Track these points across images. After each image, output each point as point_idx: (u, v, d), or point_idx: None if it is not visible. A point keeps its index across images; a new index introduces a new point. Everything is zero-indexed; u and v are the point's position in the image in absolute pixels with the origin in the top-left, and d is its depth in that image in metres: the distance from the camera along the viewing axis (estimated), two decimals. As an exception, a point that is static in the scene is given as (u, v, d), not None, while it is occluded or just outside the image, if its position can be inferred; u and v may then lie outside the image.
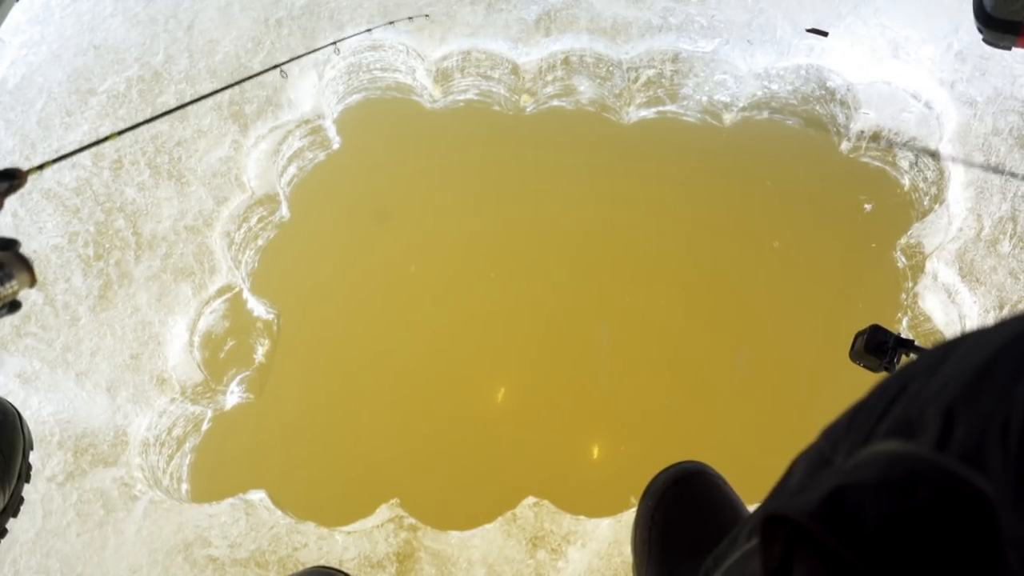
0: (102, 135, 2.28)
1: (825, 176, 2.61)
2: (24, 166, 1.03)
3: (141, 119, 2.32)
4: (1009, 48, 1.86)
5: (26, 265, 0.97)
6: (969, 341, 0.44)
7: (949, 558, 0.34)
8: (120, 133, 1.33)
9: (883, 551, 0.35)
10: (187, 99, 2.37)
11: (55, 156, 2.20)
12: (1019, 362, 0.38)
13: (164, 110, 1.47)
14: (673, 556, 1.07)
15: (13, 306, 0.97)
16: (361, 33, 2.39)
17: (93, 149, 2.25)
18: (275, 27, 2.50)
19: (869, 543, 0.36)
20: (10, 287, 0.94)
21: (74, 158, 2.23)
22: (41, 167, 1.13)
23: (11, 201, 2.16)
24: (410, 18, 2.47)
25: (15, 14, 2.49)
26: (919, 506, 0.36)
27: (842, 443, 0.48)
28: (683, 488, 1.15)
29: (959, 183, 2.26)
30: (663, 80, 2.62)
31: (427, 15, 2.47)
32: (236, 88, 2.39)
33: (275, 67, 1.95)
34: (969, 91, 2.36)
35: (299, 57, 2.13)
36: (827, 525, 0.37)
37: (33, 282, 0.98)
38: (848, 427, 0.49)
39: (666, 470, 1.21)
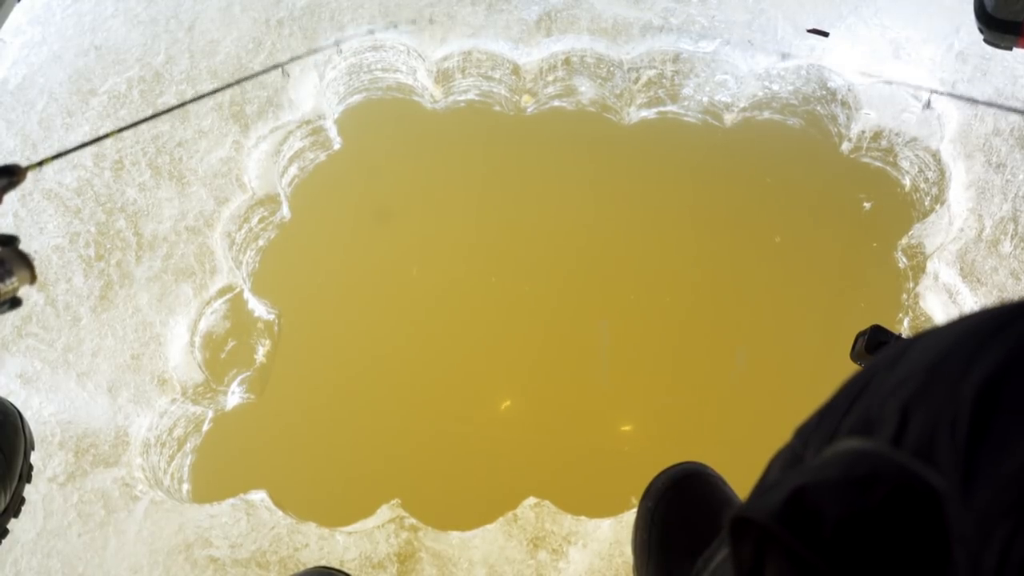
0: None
1: (826, 177, 2.61)
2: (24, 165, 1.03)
3: (143, 119, 2.33)
4: (1010, 48, 1.86)
5: (26, 262, 0.97)
6: (925, 338, 0.45)
7: (902, 555, 0.35)
8: (120, 131, 1.34)
9: (842, 550, 0.36)
10: (188, 100, 2.37)
11: (56, 154, 2.20)
12: (967, 359, 0.39)
13: (165, 109, 1.48)
14: (672, 556, 1.08)
15: (14, 303, 0.97)
16: (363, 35, 2.39)
17: (94, 149, 2.26)
18: (276, 28, 2.50)
19: (829, 543, 0.36)
20: (10, 284, 0.94)
21: (75, 158, 2.24)
22: (40, 164, 1.13)
23: (12, 202, 2.17)
24: (413, 22, 2.47)
25: (16, 15, 2.49)
26: (876, 504, 0.36)
27: (812, 441, 0.49)
28: (683, 489, 1.16)
29: (960, 183, 2.26)
30: (664, 80, 2.62)
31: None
32: (237, 88, 2.39)
33: (276, 67, 1.95)
34: (970, 91, 2.36)
35: (300, 57, 2.13)
36: (789, 525, 0.38)
37: (33, 279, 0.98)
38: (817, 425, 0.49)
39: (666, 471, 1.21)
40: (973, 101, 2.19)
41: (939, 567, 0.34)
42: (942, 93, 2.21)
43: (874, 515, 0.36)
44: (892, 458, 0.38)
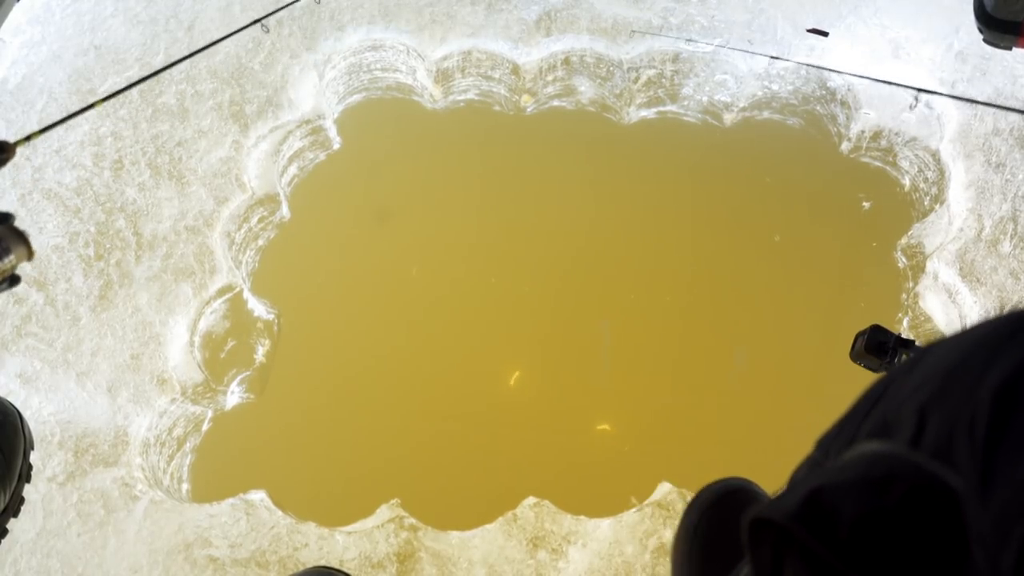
0: (103, 135, 2.28)
1: (825, 176, 2.61)
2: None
3: (142, 118, 2.33)
4: (1009, 48, 1.86)
5: (22, 239, 0.97)
6: (942, 345, 0.45)
7: (920, 555, 0.35)
8: (106, 99, 1.34)
9: (859, 550, 0.36)
10: (187, 99, 2.37)
11: (56, 154, 2.20)
12: (984, 362, 0.39)
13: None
14: (712, 570, 1.08)
15: (13, 280, 0.97)
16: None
17: (93, 150, 2.25)
18: (276, 27, 2.50)
19: (846, 542, 0.36)
20: (8, 261, 0.94)
21: (75, 158, 2.24)
22: (28, 138, 1.13)
23: (12, 202, 2.17)
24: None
25: (15, 14, 2.49)
26: (893, 504, 0.36)
27: (832, 449, 0.49)
28: (727, 504, 1.16)
29: (959, 183, 2.26)
30: (663, 80, 2.62)
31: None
32: (237, 88, 2.39)
33: (255, 22, 1.96)
34: (970, 91, 2.35)
35: (278, 11, 2.13)
36: (807, 525, 0.38)
37: (31, 255, 0.98)
38: (837, 434, 0.50)
39: (710, 485, 1.22)
40: (960, 99, 2.19)
41: (957, 567, 0.34)
42: (928, 91, 2.20)
43: (891, 515, 0.36)
44: (909, 459, 0.38)
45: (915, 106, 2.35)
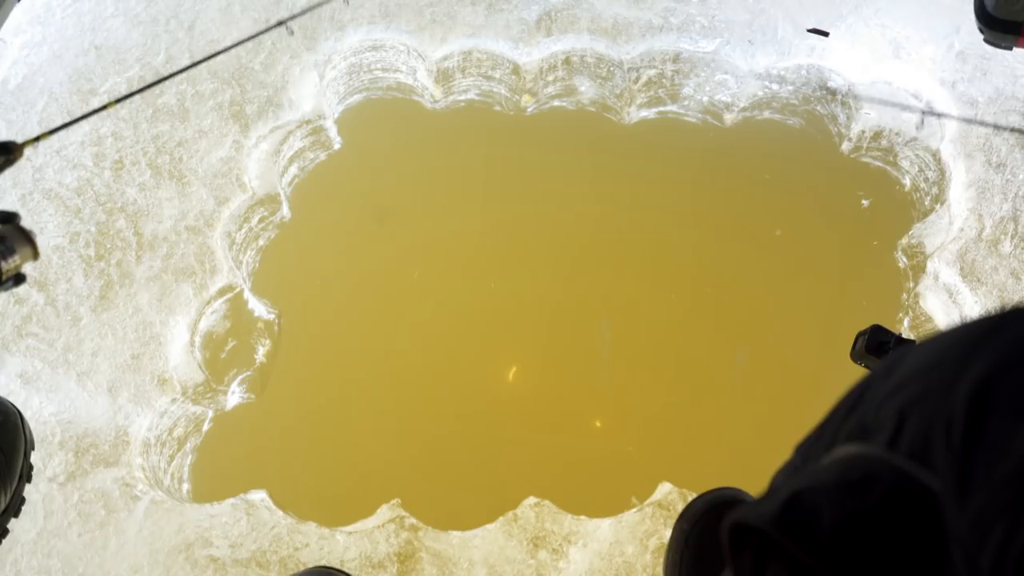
0: (104, 135, 2.28)
1: (826, 176, 2.61)
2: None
3: (143, 118, 2.33)
4: (1010, 48, 1.87)
5: (28, 238, 0.97)
6: (920, 347, 0.45)
7: (899, 556, 0.35)
8: (118, 101, 1.34)
9: (839, 553, 0.36)
10: (188, 99, 2.37)
11: (56, 154, 2.20)
12: (961, 362, 0.39)
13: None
14: None
15: (18, 279, 0.97)
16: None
17: (94, 150, 2.25)
18: (276, 28, 2.50)
19: (826, 545, 0.36)
20: (13, 261, 0.94)
21: (75, 158, 2.24)
22: (37, 139, 1.14)
23: (12, 202, 2.17)
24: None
25: (16, 15, 2.49)
26: (872, 506, 0.36)
27: (812, 454, 0.49)
28: (719, 515, 1.16)
29: (960, 183, 2.26)
30: (664, 80, 2.62)
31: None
32: (237, 88, 2.39)
33: (280, 23, 1.96)
34: (970, 91, 2.35)
35: (305, 12, 2.12)
36: (787, 529, 0.38)
37: (36, 255, 0.98)
38: (817, 439, 0.50)
39: (704, 495, 1.22)
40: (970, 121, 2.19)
41: (936, 568, 0.34)
42: (935, 114, 2.19)
43: (870, 517, 0.36)
44: (888, 461, 0.38)
45: (922, 125, 2.35)
